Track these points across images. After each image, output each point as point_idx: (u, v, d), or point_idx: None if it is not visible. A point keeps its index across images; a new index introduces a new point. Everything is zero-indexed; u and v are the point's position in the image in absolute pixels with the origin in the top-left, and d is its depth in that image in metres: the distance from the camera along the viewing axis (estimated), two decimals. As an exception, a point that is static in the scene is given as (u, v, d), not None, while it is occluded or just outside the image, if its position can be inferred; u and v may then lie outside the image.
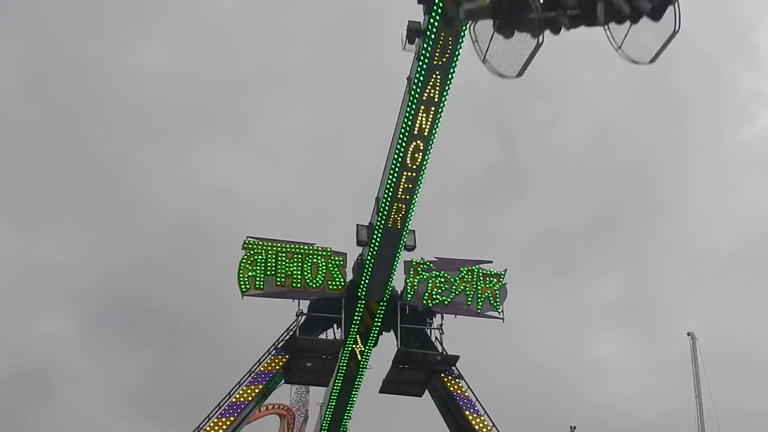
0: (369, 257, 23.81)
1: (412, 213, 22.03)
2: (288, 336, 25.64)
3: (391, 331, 26.18)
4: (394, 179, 20.99)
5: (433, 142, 20.12)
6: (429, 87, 18.73)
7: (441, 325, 26.07)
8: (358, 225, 24.23)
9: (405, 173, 20.76)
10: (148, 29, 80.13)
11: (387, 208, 21.71)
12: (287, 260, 25.44)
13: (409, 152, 20.27)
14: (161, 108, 78.08)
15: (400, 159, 20.51)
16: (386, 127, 21.26)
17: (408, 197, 21.41)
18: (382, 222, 22.26)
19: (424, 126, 19.62)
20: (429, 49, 17.89)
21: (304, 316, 25.61)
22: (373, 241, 23.08)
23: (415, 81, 18.79)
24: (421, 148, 20.17)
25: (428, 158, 20.59)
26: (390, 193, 21.42)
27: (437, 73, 18.43)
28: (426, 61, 18.12)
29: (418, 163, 20.51)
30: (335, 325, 25.66)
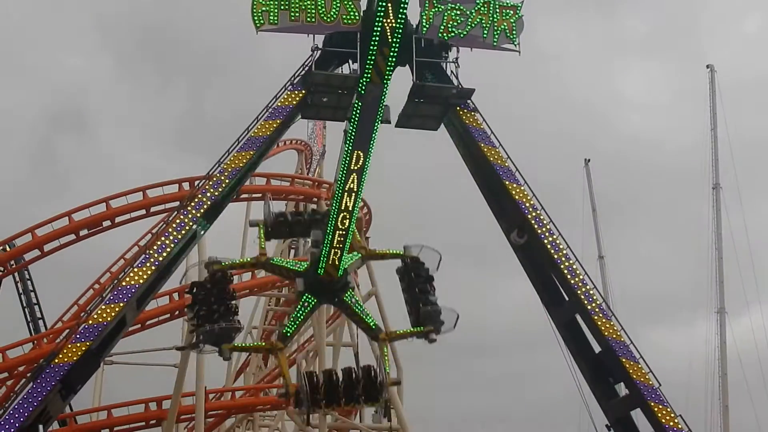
0: None
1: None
2: (304, 71, 25.68)
3: (407, 65, 26.12)
4: None
5: None
6: None
7: (457, 58, 25.93)
8: None
9: None
10: None
11: None
12: None
13: None
14: None
15: None
16: None
17: None
18: None
19: None
20: None
21: (319, 51, 25.53)
22: None
23: None
24: None
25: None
26: None
27: None
28: None
29: None
30: (350, 60, 25.58)
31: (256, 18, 24.88)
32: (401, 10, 19.88)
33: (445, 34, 25.72)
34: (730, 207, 51.77)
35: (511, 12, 26.18)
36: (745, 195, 52.33)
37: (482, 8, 25.96)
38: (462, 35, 25.75)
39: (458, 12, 25.73)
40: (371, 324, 23.44)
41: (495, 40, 26.03)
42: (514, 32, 26.12)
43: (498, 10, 26.04)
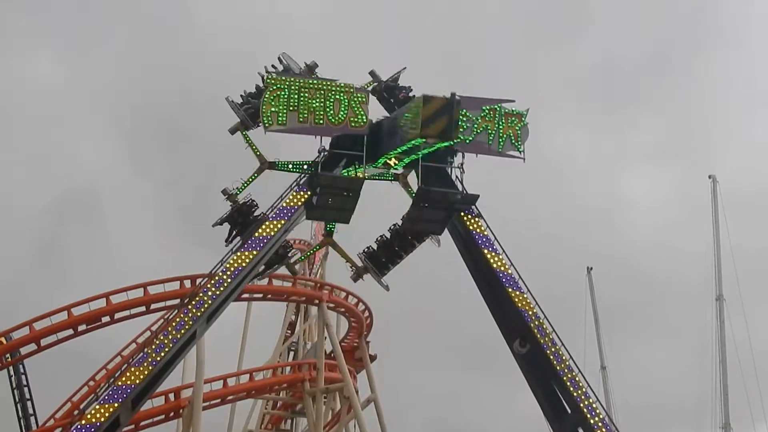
0: None
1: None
2: (310, 172, 25.80)
3: (412, 170, 26.25)
4: None
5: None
6: None
7: (462, 164, 26.08)
8: None
9: None
10: None
11: None
12: (310, 96, 25.33)
13: None
14: None
15: None
16: None
17: None
18: None
19: None
20: None
21: (326, 153, 25.70)
22: None
23: None
24: None
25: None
26: None
27: None
28: None
29: None
30: (356, 163, 25.75)
31: (265, 119, 25.14)
32: None
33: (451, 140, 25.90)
34: (734, 318, 51.36)
35: (517, 119, 26.42)
36: (749, 306, 51.93)
37: (488, 115, 26.20)
38: (467, 141, 25.94)
39: (464, 118, 25.96)
40: None
41: (500, 146, 26.19)
42: (519, 139, 26.30)
43: (503, 117, 26.28)
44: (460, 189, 25.95)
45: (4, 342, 35.78)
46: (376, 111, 26.91)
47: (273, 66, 26.59)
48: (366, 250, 27.69)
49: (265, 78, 25.75)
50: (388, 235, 27.69)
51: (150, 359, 23.14)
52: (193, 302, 24.01)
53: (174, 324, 23.71)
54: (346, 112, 25.30)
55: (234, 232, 25.89)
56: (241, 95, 26.85)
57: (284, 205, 25.36)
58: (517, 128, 26.36)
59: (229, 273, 24.37)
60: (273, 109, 25.09)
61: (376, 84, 27.33)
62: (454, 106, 25.22)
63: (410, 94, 27.32)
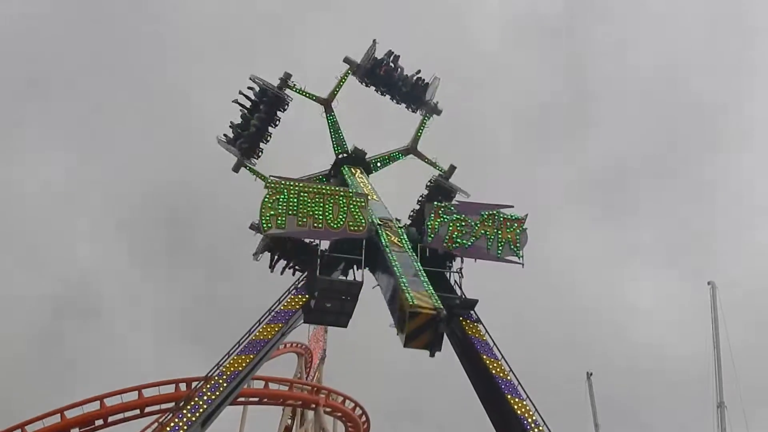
0: None
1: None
2: (308, 276, 25.77)
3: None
4: None
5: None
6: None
7: (461, 268, 26.10)
8: None
9: None
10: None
11: None
12: (309, 200, 25.51)
13: None
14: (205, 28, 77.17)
15: None
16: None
17: None
18: None
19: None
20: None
21: (324, 256, 25.71)
22: None
23: None
24: None
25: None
26: None
27: None
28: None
29: None
30: (355, 266, 25.75)
31: (264, 221, 25.24)
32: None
33: (450, 245, 26.01)
34: (735, 425, 50.65)
35: (516, 225, 26.57)
36: (750, 411, 51.26)
37: (487, 220, 26.36)
38: (466, 246, 26.01)
39: (463, 223, 26.11)
40: None
41: (499, 251, 26.27)
42: (518, 244, 26.39)
43: (502, 223, 26.44)
44: (459, 294, 25.89)
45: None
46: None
47: (249, 88, 30.02)
48: None
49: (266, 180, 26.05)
50: None
51: (143, 465, 22.72)
52: (188, 406, 23.63)
53: (168, 429, 23.30)
54: (345, 216, 25.45)
55: (276, 257, 27.99)
56: (230, 126, 30.02)
57: (282, 308, 25.24)
58: (516, 233, 26.48)
59: (225, 377, 24.06)
60: (272, 212, 25.25)
61: (355, 70, 31.10)
62: (439, 323, 23.51)
63: (392, 63, 31.36)
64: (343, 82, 31.85)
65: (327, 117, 31.71)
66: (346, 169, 30.11)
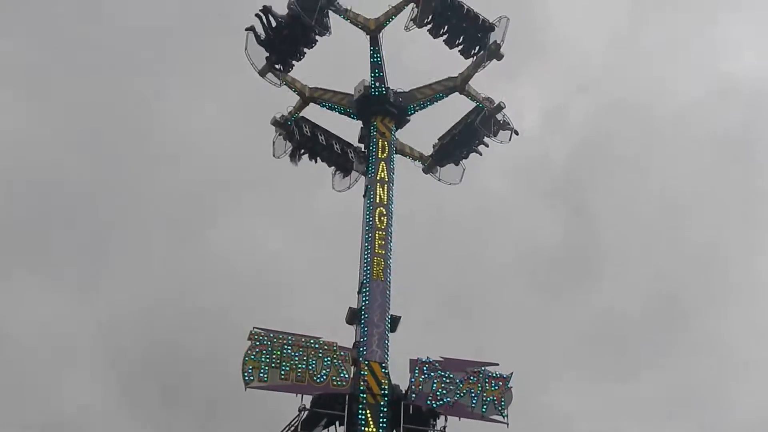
0: (362, 310, 26.55)
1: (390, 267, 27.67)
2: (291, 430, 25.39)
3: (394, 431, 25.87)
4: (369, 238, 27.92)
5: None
6: (380, 171, 29.32)
7: (444, 427, 25.73)
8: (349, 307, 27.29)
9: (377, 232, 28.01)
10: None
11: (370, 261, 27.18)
12: (293, 354, 25.31)
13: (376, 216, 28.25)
14: (220, 170, 77.42)
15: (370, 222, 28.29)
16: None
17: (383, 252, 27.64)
18: (368, 275, 27.12)
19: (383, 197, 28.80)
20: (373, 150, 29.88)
21: (306, 412, 25.40)
22: (363, 293, 26.88)
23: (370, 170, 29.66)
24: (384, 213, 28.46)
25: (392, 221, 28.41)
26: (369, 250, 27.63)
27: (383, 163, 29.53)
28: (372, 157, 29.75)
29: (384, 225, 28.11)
30: (338, 422, 25.38)
31: (245, 374, 24.94)
32: None
33: (434, 402, 25.72)
34: None
35: (500, 383, 26.34)
36: None
37: (471, 378, 26.17)
38: (451, 404, 25.73)
39: (448, 380, 25.91)
40: None
41: (483, 410, 25.96)
42: (503, 403, 26.11)
43: (487, 381, 26.23)
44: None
45: None
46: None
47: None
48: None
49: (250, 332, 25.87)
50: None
51: None
52: None
53: None
54: (328, 371, 25.25)
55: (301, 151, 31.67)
56: (259, 18, 29.81)
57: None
58: (500, 392, 26.22)
59: None
60: (254, 365, 24.98)
61: None
62: None
63: None
64: (399, 12, 30.76)
65: (371, 50, 30.78)
66: (376, 127, 30.33)
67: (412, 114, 31.06)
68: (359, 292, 27.27)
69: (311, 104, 31.59)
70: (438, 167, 32.80)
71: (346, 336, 27.12)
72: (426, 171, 32.87)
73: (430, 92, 31.22)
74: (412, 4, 30.27)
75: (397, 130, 30.70)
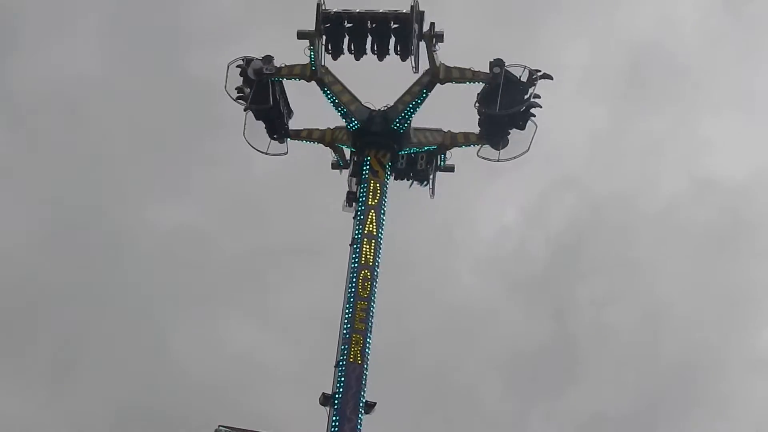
0: (335, 396, 23.27)
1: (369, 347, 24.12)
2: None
3: None
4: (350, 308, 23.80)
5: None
6: (368, 223, 24.70)
7: None
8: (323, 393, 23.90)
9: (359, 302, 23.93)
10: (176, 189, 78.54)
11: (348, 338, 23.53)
12: None
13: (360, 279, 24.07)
14: (184, 271, 76.21)
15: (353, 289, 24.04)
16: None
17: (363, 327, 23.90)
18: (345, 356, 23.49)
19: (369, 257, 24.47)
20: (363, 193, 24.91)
21: None
22: (339, 375, 23.48)
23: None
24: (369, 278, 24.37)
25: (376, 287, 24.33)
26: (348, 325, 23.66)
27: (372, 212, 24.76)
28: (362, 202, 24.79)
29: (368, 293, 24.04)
30: None
31: None
32: None
33: None
34: None
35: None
36: None
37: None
38: None
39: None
40: None
41: None
42: None
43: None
44: None
45: None
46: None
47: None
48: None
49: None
50: None
51: None
52: None
53: None
54: None
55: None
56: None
57: None
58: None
59: None
60: None
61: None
62: None
63: None
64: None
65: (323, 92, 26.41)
66: (369, 164, 25.46)
67: (406, 153, 27.21)
68: (335, 366, 25.02)
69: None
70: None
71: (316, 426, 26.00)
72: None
73: (409, 97, 26.53)
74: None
75: (393, 165, 26.43)
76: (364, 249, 24.75)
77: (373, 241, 24.76)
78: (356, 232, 25.11)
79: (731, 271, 79.53)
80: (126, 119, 66.32)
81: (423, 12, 25.73)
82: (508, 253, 66.16)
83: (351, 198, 25.72)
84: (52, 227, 76.40)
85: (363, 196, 25.48)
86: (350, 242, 25.26)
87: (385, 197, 25.85)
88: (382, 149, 25.88)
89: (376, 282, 24.90)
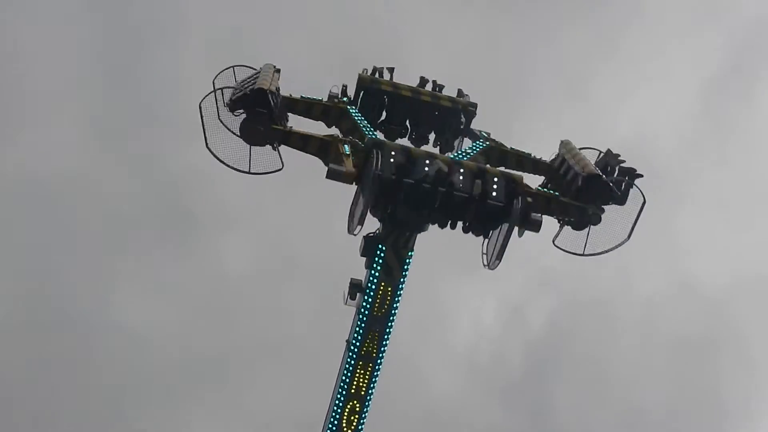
0: None
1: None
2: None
3: None
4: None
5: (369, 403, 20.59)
6: (367, 342, 20.23)
7: None
8: None
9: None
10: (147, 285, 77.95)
11: None
12: None
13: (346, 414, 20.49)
14: (152, 369, 75.31)
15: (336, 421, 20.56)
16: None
17: None
18: None
19: (361, 384, 20.35)
20: (369, 301, 19.84)
21: None
22: None
23: (355, 336, 20.18)
24: (357, 409, 20.61)
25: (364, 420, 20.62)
26: None
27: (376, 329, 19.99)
28: (366, 313, 19.93)
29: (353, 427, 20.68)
30: None
31: None
32: None
33: None
34: None
35: None
36: None
37: None
38: None
39: None
40: None
41: None
42: None
43: None
44: None
45: None
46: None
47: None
48: None
49: None
50: None
51: None
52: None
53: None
54: None
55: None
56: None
57: None
58: None
59: None
60: None
61: None
62: None
63: None
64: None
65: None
66: (384, 260, 20.03)
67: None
68: None
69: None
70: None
71: None
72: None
73: None
74: None
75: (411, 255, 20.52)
76: (358, 374, 20.64)
77: (371, 365, 20.53)
78: (353, 346, 20.56)
79: (706, 381, 79.07)
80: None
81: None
82: (487, 355, 65.29)
83: (354, 289, 20.58)
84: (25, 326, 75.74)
85: (369, 300, 20.31)
86: (347, 338, 21.18)
87: (396, 307, 20.14)
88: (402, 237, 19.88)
89: (366, 411, 21.07)
